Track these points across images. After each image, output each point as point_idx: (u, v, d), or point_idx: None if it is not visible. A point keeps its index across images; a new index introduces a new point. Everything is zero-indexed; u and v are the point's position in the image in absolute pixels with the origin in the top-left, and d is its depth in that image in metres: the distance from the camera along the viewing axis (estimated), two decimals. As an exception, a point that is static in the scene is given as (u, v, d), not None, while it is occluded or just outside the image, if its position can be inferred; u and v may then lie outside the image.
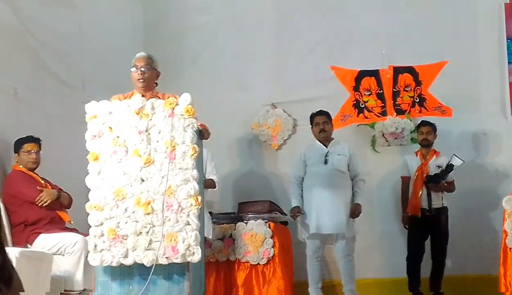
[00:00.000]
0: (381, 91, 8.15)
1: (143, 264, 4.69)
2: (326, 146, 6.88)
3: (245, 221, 7.12)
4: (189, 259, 4.67)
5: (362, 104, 8.18)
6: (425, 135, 7.34)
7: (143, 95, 5.23)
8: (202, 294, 5.32)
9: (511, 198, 6.29)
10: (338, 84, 8.22)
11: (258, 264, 6.94)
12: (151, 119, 4.85)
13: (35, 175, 5.81)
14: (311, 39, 8.52)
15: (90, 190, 4.83)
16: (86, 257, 5.11)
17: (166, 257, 4.66)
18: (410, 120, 7.95)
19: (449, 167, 7.01)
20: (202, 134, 5.10)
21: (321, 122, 6.92)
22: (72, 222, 5.82)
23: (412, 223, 7.23)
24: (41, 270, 5.02)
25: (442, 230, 7.13)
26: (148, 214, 4.70)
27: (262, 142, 8.50)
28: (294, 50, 8.56)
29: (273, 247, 6.93)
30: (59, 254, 5.44)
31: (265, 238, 6.92)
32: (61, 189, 5.92)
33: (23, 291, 2.05)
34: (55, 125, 6.55)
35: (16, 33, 6.22)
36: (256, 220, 7.07)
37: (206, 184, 6.41)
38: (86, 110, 4.93)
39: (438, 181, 7.09)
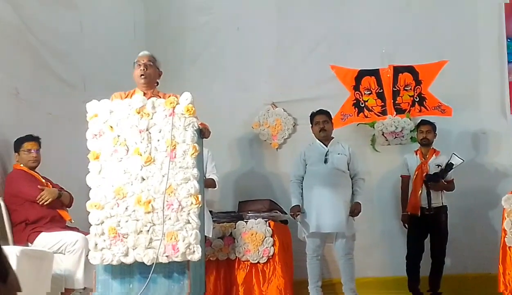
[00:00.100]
0: (381, 90, 8.16)
1: (143, 263, 4.70)
2: (326, 146, 6.89)
3: (245, 220, 7.14)
4: (189, 258, 4.69)
5: (362, 104, 8.19)
6: (425, 135, 7.35)
7: (144, 94, 5.26)
8: (203, 293, 5.34)
9: (510, 197, 6.31)
10: (338, 84, 8.23)
11: (258, 262, 6.96)
12: (151, 118, 4.86)
13: (36, 173, 5.83)
14: (311, 39, 8.54)
15: (90, 188, 4.84)
16: (87, 255, 5.12)
17: (167, 256, 4.67)
18: (410, 119, 7.96)
19: (449, 166, 7.02)
20: (202, 133, 5.12)
21: (321, 121, 6.93)
22: (72, 221, 5.84)
23: (412, 222, 7.24)
24: (42, 269, 5.03)
25: (441, 229, 7.14)
26: (149, 212, 4.71)
27: (263, 141, 8.52)
28: (294, 50, 8.58)
29: (273, 245, 6.94)
30: (59, 253, 5.45)
31: (265, 237, 6.94)
32: (62, 188, 5.94)
33: (20, 291, 2.05)
34: (56, 125, 6.57)
35: (17, 33, 6.23)
36: (256, 219, 7.08)
37: (206, 184, 6.43)
38: (87, 110, 4.95)
39: (438, 180, 7.10)
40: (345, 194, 6.72)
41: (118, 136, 4.85)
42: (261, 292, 6.92)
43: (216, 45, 8.70)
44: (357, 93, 8.21)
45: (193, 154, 4.77)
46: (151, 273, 4.69)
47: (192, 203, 4.70)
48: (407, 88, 8.12)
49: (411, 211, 7.19)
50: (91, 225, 4.81)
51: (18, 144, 5.78)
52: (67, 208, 5.93)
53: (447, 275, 7.25)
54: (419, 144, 7.44)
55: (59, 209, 5.79)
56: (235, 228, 7.09)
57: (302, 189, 6.85)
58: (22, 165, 5.77)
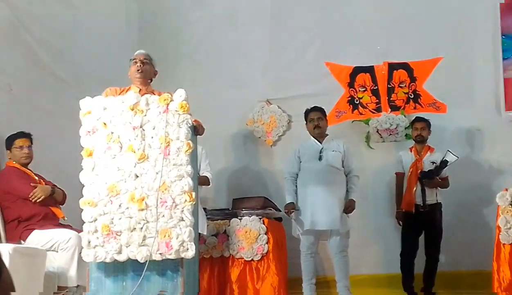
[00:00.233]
0: (376, 87, 8.15)
1: (136, 260, 4.70)
2: (321, 143, 6.87)
3: (239, 217, 7.13)
4: (183, 255, 4.68)
5: (356, 101, 8.18)
6: (420, 131, 7.34)
7: (140, 90, 5.26)
8: (196, 291, 5.32)
9: (505, 194, 6.32)
10: (332, 81, 8.22)
11: (252, 260, 6.94)
12: (145, 115, 4.85)
13: (29, 170, 5.81)
14: (306, 36, 8.52)
15: (84, 186, 4.82)
16: (80, 253, 5.11)
17: (160, 253, 4.66)
18: (405, 116, 7.95)
19: (443, 163, 7.02)
20: (196, 130, 5.11)
21: (316, 118, 6.91)
22: (66, 218, 5.82)
23: (406, 219, 7.23)
24: (35, 267, 5.01)
25: (436, 226, 7.13)
26: (142, 210, 4.70)
27: (257, 138, 8.51)
28: (289, 47, 8.56)
29: (267, 243, 6.93)
30: (52, 250, 5.44)
31: (259, 234, 6.93)
32: (55, 185, 5.92)
33: (14, 290, 2.02)
34: (49, 121, 6.55)
35: (11, 29, 6.21)
36: (250, 216, 7.07)
37: (200, 181, 6.42)
38: (81, 106, 4.94)
39: (432, 177, 7.09)
40: (339, 191, 6.71)
41: (112, 133, 4.84)
42: (255, 289, 6.91)
43: (210, 42, 8.68)
44: (351, 90, 8.20)
45: (187, 151, 4.76)
46: (144, 270, 4.69)
47: (186, 200, 4.69)
48: (401, 85, 8.11)
49: (405, 208, 7.18)
50: (84, 222, 4.80)
51: (10, 141, 5.77)
52: (60, 205, 5.92)
53: (441, 272, 7.25)
54: (414, 141, 7.43)
55: (52, 206, 5.77)
56: (229, 225, 7.07)
57: (296, 186, 6.84)
58: (14, 162, 5.76)
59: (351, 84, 8.22)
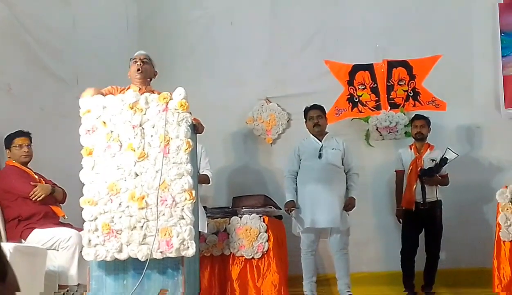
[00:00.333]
0: (375, 85, 8.16)
1: (137, 259, 4.69)
2: (320, 141, 6.87)
3: (240, 215, 7.13)
4: (183, 254, 4.68)
5: (356, 99, 8.19)
6: (419, 129, 7.34)
7: (139, 89, 5.27)
8: (197, 289, 5.33)
9: (505, 191, 6.31)
10: (332, 79, 8.22)
11: (253, 258, 6.94)
12: (145, 114, 4.85)
13: (29, 169, 5.81)
14: (305, 34, 8.52)
15: (84, 184, 4.82)
16: (80, 252, 5.11)
17: (161, 252, 4.66)
18: (404, 114, 7.95)
19: (443, 161, 7.02)
20: (196, 128, 5.11)
21: (315, 116, 6.91)
22: (66, 217, 5.82)
23: (406, 216, 7.23)
24: (35, 265, 5.02)
25: (436, 224, 7.13)
26: (142, 208, 4.70)
27: (257, 136, 8.51)
28: (288, 45, 8.56)
29: (267, 241, 6.93)
30: (53, 249, 5.44)
31: (260, 232, 6.93)
32: (55, 184, 5.92)
33: (19, 290, 2.02)
34: (49, 121, 6.55)
35: (10, 28, 6.21)
36: (250, 214, 7.07)
37: (200, 179, 6.43)
38: (80, 105, 4.94)
39: (432, 175, 7.10)
40: (339, 189, 6.71)
41: (111, 132, 4.84)
42: (255, 287, 6.91)
43: (210, 40, 8.68)
44: (351, 88, 8.20)
45: (186, 149, 4.75)
46: (145, 269, 4.69)
47: (186, 199, 4.69)
48: (401, 83, 8.11)
49: (405, 205, 7.18)
50: (84, 221, 4.80)
51: (9, 140, 5.77)
52: (60, 204, 5.91)
53: (442, 269, 7.25)
54: (414, 139, 7.43)
55: (52, 205, 5.77)
56: (230, 223, 7.08)
57: (296, 184, 6.84)
58: (14, 161, 5.76)
59: (350, 82, 8.22)
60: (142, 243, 4.69)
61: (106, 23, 7.92)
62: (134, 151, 4.78)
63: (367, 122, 8.06)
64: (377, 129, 8.02)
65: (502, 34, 7.89)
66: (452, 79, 8.01)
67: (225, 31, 8.67)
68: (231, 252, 7.00)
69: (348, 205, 6.67)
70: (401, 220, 7.36)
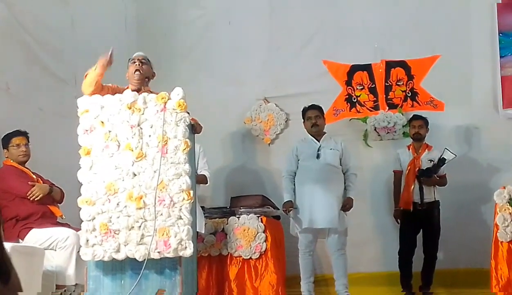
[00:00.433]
0: (374, 85, 8.16)
1: (135, 259, 4.69)
2: (319, 141, 6.87)
3: (238, 215, 7.12)
4: (181, 254, 4.68)
5: (354, 99, 8.19)
6: (417, 129, 7.34)
7: (137, 90, 5.27)
8: (195, 289, 5.33)
9: (502, 192, 6.31)
10: (330, 79, 8.23)
11: (250, 258, 6.94)
12: (143, 114, 4.85)
13: (27, 169, 5.81)
14: (303, 34, 8.52)
15: (82, 184, 4.82)
16: (78, 251, 5.09)
17: (158, 252, 4.66)
18: (402, 114, 7.96)
19: (441, 161, 7.02)
20: (194, 128, 5.11)
21: (313, 116, 6.91)
22: (64, 217, 5.81)
23: (404, 217, 7.23)
24: (33, 265, 5.01)
25: (434, 224, 7.14)
26: (140, 208, 4.70)
27: (255, 136, 8.51)
28: (286, 45, 8.56)
29: (265, 241, 6.93)
30: (51, 249, 5.43)
31: (258, 233, 6.93)
32: (53, 184, 5.92)
33: (21, 291, 2.02)
34: (47, 120, 6.55)
35: (8, 28, 6.20)
36: (248, 215, 7.07)
37: (198, 180, 6.42)
38: (78, 105, 4.93)
39: (430, 175, 7.10)
40: (337, 189, 6.71)
41: (109, 131, 4.84)
42: (253, 287, 6.91)
43: (208, 40, 8.68)
44: (349, 88, 8.21)
45: (184, 149, 4.75)
46: (142, 269, 4.69)
47: (184, 199, 4.69)
48: (399, 83, 8.12)
49: (403, 206, 7.18)
50: (82, 221, 4.80)
51: (6, 140, 5.77)
52: (58, 204, 5.91)
53: (440, 270, 7.25)
54: (412, 139, 7.44)
55: (50, 205, 5.76)
56: (227, 223, 7.07)
57: (294, 185, 6.84)
58: (12, 161, 5.75)
59: (348, 83, 8.23)
60: (140, 243, 4.68)
61: (104, 23, 7.91)
62: (132, 150, 4.78)
63: (365, 122, 8.07)
64: (375, 129, 8.02)
65: (500, 34, 7.89)
66: (450, 79, 8.02)
67: (223, 31, 8.67)
68: (228, 252, 6.99)
69: (346, 205, 6.68)
70: (399, 221, 7.35)
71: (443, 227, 7.18)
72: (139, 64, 5.39)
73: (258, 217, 7.04)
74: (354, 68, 8.20)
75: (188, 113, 4.88)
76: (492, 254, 6.32)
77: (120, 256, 4.72)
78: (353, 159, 7.05)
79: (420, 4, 8.26)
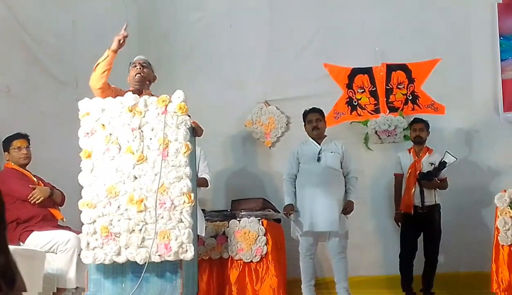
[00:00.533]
0: (374, 88, 8.16)
1: (135, 262, 4.68)
2: (319, 144, 6.88)
3: (238, 219, 7.12)
4: (182, 257, 4.67)
5: (355, 102, 8.19)
6: (418, 133, 7.34)
7: (139, 93, 5.27)
8: (195, 292, 5.32)
9: (503, 195, 6.32)
10: (331, 82, 8.23)
11: (251, 261, 6.94)
12: (144, 117, 4.83)
13: (28, 172, 5.80)
14: (304, 37, 8.52)
15: (82, 187, 4.82)
16: (79, 255, 5.09)
17: (159, 255, 4.65)
18: (403, 117, 7.96)
19: (442, 164, 7.02)
20: (195, 131, 5.11)
21: (314, 119, 6.92)
22: (64, 220, 5.81)
23: (405, 220, 7.23)
24: (34, 268, 5.00)
25: (434, 227, 7.14)
26: (141, 211, 4.69)
27: (256, 139, 8.51)
28: (287, 48, 8.56)
29: (266, 244, 6.93)
30: (51, 252, 5.42)
31: (258, 236, 6.93)
32: (54, 186, 5.91)
33: (25, 291, 2.03)
34: (48, 123, 6.55)
35: (10, 30, 6.20)
36: (249, 218, 7.07)
37: (199, 183, 6.42)
38: (79, 108, 4.92)
39: (431, 178, 7.10)
40: (338, 193, 6.71)
41: (110, 134, 4.82)
42: (254, 291, 6.91)
43: (209, 43, 8.68)
44: (350, 91, 8.21)
45: (185, 152, 4.75)
46: (143, 272, 4.67)
47: (184, 202, 4.68)
48: (400, 86, 8.12)
49: (404, 209, 7.18)
50: (83, 224, 4.79)
51: (7, 143, 5.76)
52: (59, 207, 5.90)
53: (440, 273, 7.25)
54: (412, 143, 7.44)
55: (50, 208, 5.76)
56: (228, 226, 7.07)
57: (295, 188, 6.84)
58: (13, 164, 5.75)
59: (349, 86, 8.22)
60: (140, 246, 4.67)
61: (105, 26, 7.88)
62: (133, 153, 4.77)
63: (366, 125, 8.07)
64: (376, 132, 8.02)
65: (501, 37, 7.90)
66: (451, 83, 8.02)
67: (224, 34, 8.67)
68: (229, 255, 7.00)
69: (347, 208, 6.68)
70: (399, 224, 7.35)
71: (443, 230, 7.18)
72: (140, 68, 5.40)
73: (259, 220, 7.04)
74: (355, 72, 8.20)
75: (189, 116, 4.88)
76: (493, 257, 6.32)
77: (121, 259, 4.71)
78: (354, 162, 7.05)
79: (420, 7, 8.27)
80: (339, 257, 6.72)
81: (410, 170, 7.23)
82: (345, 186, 6.79)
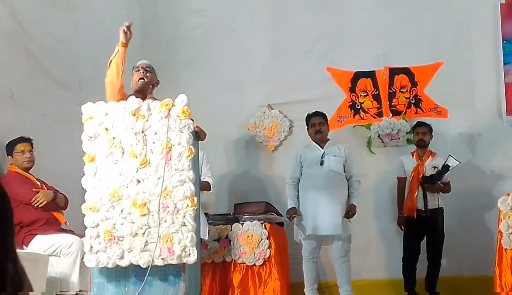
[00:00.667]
0: (377, 92, 8.16)
1: (139, 265, 4.69)
2: (322, 148, 6.88)
3: (241, 222, 7.12)
4: (185, 260, 4.67)
5: (358, 106, 8.19)
6: (421, 136, 7.34)
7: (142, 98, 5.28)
8: (198, 296, 5.33)
9: (506, 199, 6.32)
10: (334, 86, 8.24)
11: (254, 265, 6.93)
12: (147, 121, 4.85)
13: (31, 175, 5.81)
14: (307, 40, 8.52)
15: (86, 191, 4.82)
16: (82, 258, 5.10)
17: (162, 258, 4.66)
18: (406, 121, 7.96)
19: (445, 168, 7.02)
20: (198, 135, 5.11)
21: (317, 123, 6.92)
22: (68, 223, 5.82)
23: (408, 223, 7.23)
24: (37, 272, 5.00)
25: (437, 231, 7.13)
26: (144, 215, 4.70)
27: (258, 143, 8.50)
28: (290, 51, 8.56)
29: (269, 248, 6.92)
30: (55, 256, 5.43)
31: (261, 239, 6.92)
32: (57, 190, 5.92)
33: (32, 291, 2.05)
34: (51, 127, 6.55)
35: (12, 34, 6.21)
36: (252, 221, 7.06)
37: (202, 186, 6.40)
38: (83, 112, 4.94)
39: (434, 182, 7.10)
40: (341, 196, 6.71)
41: (114, 138, 4.84)
42: (257, 294, 6.90)
43: (212, 47, 8.69)
44: (353, 95, 8.21)
45: (188, 156, 4.76)
46: (146, 276, 4.68)
47: (187, 205, 4.69)
48: (403, 90, 8.12)
49: (407, 213, 7.18)
50: (86, 227, 4.80)
51: (11, 147, 5.77)
52: (62, 210, 5.91)
53: (443, 277, 7.24)
54: (415, 146, 7.44)
55: (54, 212, 5.77)
56: (231, 230, 7.07)
57: (298, 191, 6.84)
58: (16, 167, 5.76)
59: (352, 89, 8.23)
60: (143, 249, 4.68)
61: (108, 30, 7.90)
62: (136, 157, 4.78)
63: (369, 129, 8.07)
64: (379, 136, 8.02)
65: (504, 41, 7.90)
66: (454, 86, 8.02)
67: (227, 38, 8.67)
68: (232, 259, 6.99)
69: (350, 212, 6.68)
70: (402, 227, 7.35)
71: (447, 234, 7.18)
72: (143, 72, 5.42)
73: (262, 223, 7.04)
74: (358, 75, 8.21)
75: (192, 120, 4.89)
76: (496, 261, 6.32)
77: (124, 263, 4.72)
78: (357, 165, 7.06)
79: (423, 11, 8.26)
80: (342, 261, 6.72)
81: (413, 174, 7.22)
82: (348, 190, 6.79)
